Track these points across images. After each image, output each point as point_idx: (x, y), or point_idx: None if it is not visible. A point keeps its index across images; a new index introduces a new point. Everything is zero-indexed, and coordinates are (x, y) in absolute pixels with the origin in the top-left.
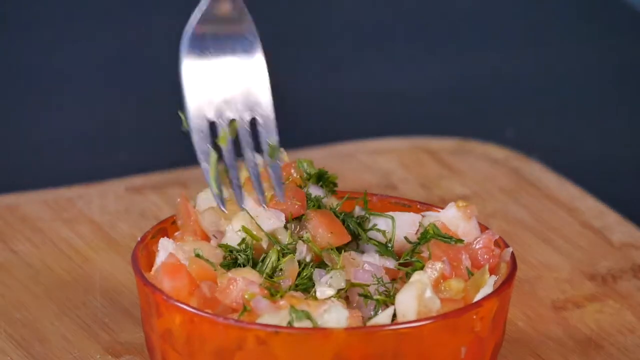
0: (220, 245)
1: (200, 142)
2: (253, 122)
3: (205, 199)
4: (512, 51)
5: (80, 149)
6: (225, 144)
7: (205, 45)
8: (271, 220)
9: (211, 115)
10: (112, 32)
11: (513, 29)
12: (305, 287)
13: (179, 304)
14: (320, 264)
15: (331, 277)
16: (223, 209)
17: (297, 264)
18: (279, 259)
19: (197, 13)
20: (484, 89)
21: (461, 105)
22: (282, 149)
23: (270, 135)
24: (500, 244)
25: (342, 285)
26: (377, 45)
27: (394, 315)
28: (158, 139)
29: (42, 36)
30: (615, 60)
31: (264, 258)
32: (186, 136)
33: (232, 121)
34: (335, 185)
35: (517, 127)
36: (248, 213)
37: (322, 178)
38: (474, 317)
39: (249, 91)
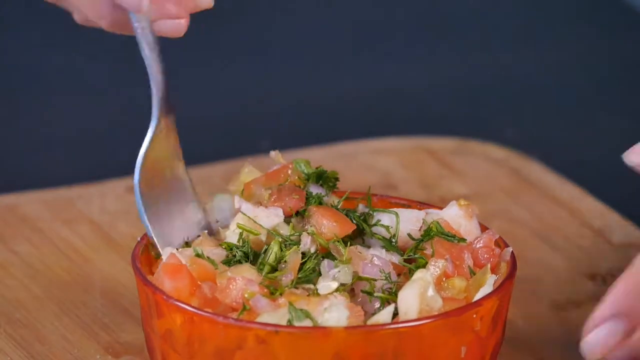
0: (222, 244)
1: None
2: None
3: (221, 200)
4: (511, 51)
5: (80, 149)
6: None
7: (151, 191)
8: (270, 217)
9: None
10: (112, 32)
11: (513, 29)
12: (308, 279)
13: (179, 304)
14: (328, 254)
15: (339, 271)
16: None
17: (300, 255)
18: (281, 250)
19: (144, 148)
20: (484, 89)
21: (461, 105)
22: (276, 151)
23: None
24: (500, 243)
25: (349, 280)
26: (377, 45)
27: (396, 312)
28: None
29: (42, 36)
30: (615, 60)
31: (266, 250)
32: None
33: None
34: (337, 180)
35: (517, 127)
36: (245, 215)
37: (321, 177)
38: (474, 316)
39: (192, 229)
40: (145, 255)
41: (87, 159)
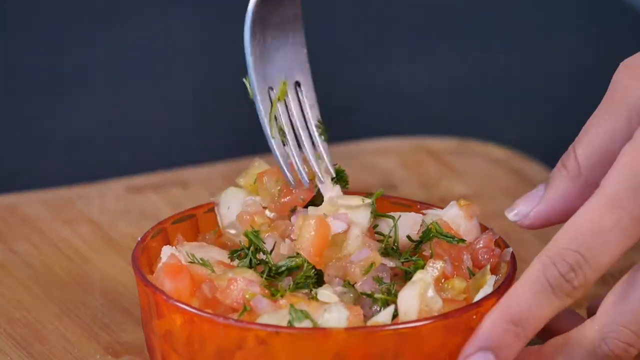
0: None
1: (263, 102)
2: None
3: (230, 194)
4: (512, 51)
5: (80, 149)
6: (282, 98)
7: (262, 25)
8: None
9: (269, 84)
10: (112, 33)
11: (513, 29)
12: (307, 285)
13: (179, 304)
14: None
15: (344, 292)
16: (284, 167)
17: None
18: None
19: None
20: (484, 89)
21: (461, 105)
22: None
23: (315, 114)
24: (501, 244)
25: (350, 302)
26: (377, 45)
27: (396, 313)
28: (158, 139)
29: (43, 37)
30: (615, 60)
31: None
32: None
33: (284, 83)
34: (347, 183)
35: (517, 127)
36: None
37: (338, 175)
38: (474, 317)
39: (294, 72)
40: (146, 255)
41: (87, 159)
